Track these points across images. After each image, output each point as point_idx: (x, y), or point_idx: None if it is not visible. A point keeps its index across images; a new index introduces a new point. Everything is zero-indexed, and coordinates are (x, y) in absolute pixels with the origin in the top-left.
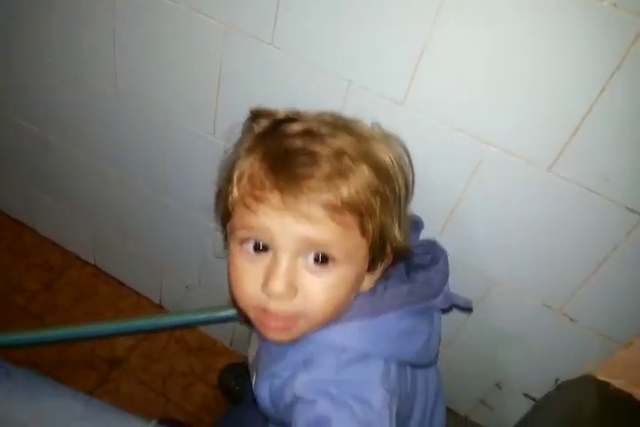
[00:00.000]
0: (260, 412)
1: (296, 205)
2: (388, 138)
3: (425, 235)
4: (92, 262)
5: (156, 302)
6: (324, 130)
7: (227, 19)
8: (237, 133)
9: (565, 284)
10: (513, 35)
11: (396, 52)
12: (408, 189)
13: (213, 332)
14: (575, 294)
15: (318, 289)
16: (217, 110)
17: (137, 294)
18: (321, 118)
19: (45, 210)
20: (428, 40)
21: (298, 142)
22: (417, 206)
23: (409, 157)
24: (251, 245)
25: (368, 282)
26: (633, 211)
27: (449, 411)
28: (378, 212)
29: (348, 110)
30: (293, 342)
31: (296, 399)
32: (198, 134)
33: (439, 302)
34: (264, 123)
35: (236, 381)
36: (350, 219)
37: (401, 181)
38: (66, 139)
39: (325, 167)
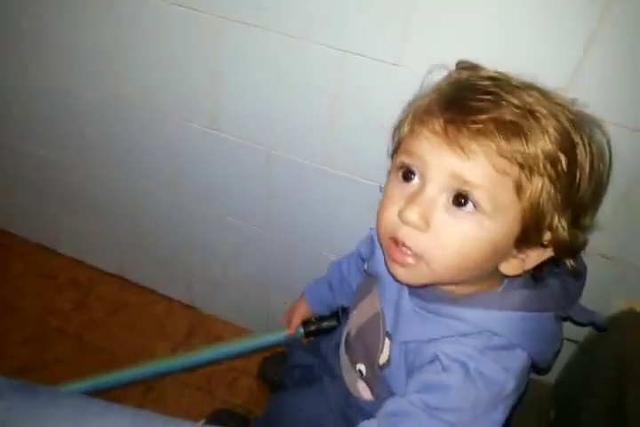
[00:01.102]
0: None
1: (457, 136)
2: (589, 120)
3: None
4: (119, 274)
5: (188, 302)
6: (519, 84)
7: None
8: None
9: None
10: None
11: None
12: (596, 183)
13: (247, 324)
14: None
15: (450, 231)
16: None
17: (168, 298)
18: (522, 80)
19: (66, 229)
20: None
21: (485, 83)
22: None
23: (609, 155)
24: (404, 172)
25: (515, 266)
26: None
27: None
28: (544, 180)
29: None
30: (412, 283)
31: (432, 359)
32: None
33: (574, 312)
34: (462, 73)
35: (275, 371)
36: (509, 168)
37: (587, 170)
38: (69, 153)
39: (505, 113)
